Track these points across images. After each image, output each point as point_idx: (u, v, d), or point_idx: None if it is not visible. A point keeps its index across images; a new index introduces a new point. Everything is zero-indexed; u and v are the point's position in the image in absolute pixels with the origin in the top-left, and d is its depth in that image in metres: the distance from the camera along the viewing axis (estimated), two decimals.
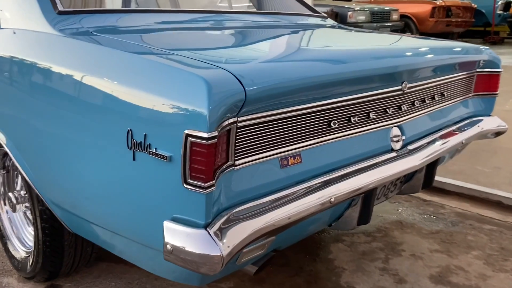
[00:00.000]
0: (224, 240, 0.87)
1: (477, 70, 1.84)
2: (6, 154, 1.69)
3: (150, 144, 0.93)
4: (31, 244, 1.71)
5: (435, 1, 8.09)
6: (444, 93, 1.66)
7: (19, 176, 1.70)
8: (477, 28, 9.44)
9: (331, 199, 1.11)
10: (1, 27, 1.58)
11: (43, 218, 1.47)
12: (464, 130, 1.71)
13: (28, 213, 1.73)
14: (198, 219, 0.89)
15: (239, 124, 0.94)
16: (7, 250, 1.79)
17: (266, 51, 1.34)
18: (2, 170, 1.78)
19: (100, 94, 1.06)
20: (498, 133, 1.91)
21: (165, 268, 1.06)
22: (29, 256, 1.65)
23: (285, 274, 1.77)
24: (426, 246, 2.00)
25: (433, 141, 1.53)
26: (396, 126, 1.41)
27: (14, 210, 1.73)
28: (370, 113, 1.29)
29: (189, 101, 0.87)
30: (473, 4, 8.54)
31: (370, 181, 1.22)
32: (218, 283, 1.70)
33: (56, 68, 1.21)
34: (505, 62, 4.14)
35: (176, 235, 0.89)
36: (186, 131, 0.86)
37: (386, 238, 2.08)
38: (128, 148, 0.98)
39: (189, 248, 0.86)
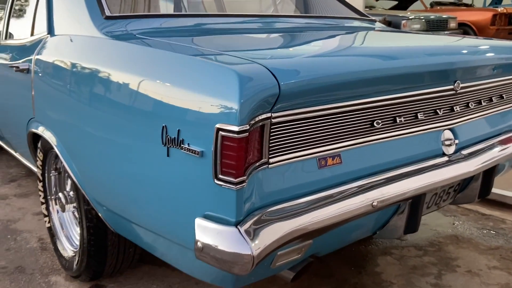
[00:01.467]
0: (256, 240, 0.84)
1: None
2: (57, 156, 1.77)
3: (183, 139, 0.92)
4: (78, 243, 1.77)
5: (496, 8, 7.65)
6: (504, 95, 1.52)
7: (69, 177, 1.76)
8: None
9: (373, 203, 1.04)
10: (55, 33, 1.67)
11: (88, 217, 1.51)
12: None
13: (76, 213, 1.79)
14: (228, 216, 0.86)
15: (274, 120, 0.91)
16: (56, 249, 1.85)
17: (306, 49, 1.30)
18: (54, 172, 1.87)
19: (137, 93, 1.07)
20: None
21: (201, 269, 1.03)
22: (75, 255, 1.70)
23: (329, 286, 1.69)
24: (484, 263, 1.84)
25: (491, 147, 1.40)
26: (448, 128, 1.31)
27: (63, 210, 1.80)
28: (418, 114, 1.21)
29: (221, 95, 0.85)
30: None
31: (418, 186, 1.13)
32: None
33: (97, 70, 1.25)
34: None
35: (207, 233, 0.86)
36: (217, 125, 0.84)
37: (439, 252, 1.94)
38: (163, 144, 0.97)
39: (220, 246, 0.84)
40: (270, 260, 0.96)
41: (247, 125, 0.82)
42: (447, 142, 1.30)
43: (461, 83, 1.29)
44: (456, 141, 1.32)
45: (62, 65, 1.48)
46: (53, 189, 1.88)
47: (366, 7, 7.74)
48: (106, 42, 1.31)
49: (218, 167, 0.85)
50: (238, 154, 0.82)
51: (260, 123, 0.88)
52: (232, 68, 0.86)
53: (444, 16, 7.38)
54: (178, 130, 0.93)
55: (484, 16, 7.63)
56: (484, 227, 2.17)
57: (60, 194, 1.77)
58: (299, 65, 0.97)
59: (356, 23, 2.04)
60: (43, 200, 1.91)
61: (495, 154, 1.37)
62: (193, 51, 1.06)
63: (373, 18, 2.26)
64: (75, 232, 1.81)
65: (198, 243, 0.87)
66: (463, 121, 1.35)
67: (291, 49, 1.29)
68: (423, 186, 1.15)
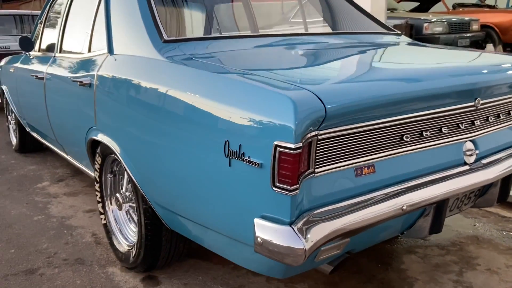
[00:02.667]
0: (307, 236, 1.02)
1: None
2: (114, 160, 1.99)
3: (244, 153, 1.11)
4: (132, 239, 1.99)
5: None
6: None
7: (124, 179, 1.98)
8: None
9: (403, 207, 1.21)
10: (114, 52, 1.88)
11: (146, 215, 1.72)
12: None
13: (131, 211, 2.00)
14: (284, 217, 1.04)
15: (320, 137, 1.09)
16: (112, 243, 2.08)
17: (343, 71, 1.47)
18: (110, 174, 2.09)
19: (201, 111, 1.27)
20: None
21: (256, 262, 1.22)
22: (131, 249, 1.91)
23: (358, 281, 1.86)
24: (503, 262, 1.98)
25: (508, 156, 1.55)
26: (469, 140, 1.47)
27: (120, 208, 2.02)
28: (442, 128, 1.37)
29: (278, 117, 1.04)
30: None
31: (441, 192, 1.30)
32: (294, 284, 1.83)
33: (162, 89, 1.45)
34: None
35: (266, 230, 1.05)
36: (275, 142, 1.02)
37: (460, 252, 2.08)
38: (225, 156, 1.17)
39: (277, 241, 1.02)
40: (314, 255, 1.14)
41: (300, 143, 1.01)
42: (468, 153, 1.45)
43: (481, 100, 1.44)
44: (477, 151, 1.48)
45: (125, 82, 1.69)
46: (109, 190, 2.10)
47: (388, 9, 7.81)
48: (168, 65, 1.51)
49: (276, 177, 1.03)
50: (293, 167, 1.01)
51: (309, 140, 1.06)
52: (288, 95, 1.04)
53: (466, 19, 7.40)
54: (240, 145, 1.12)
55: (507, 18, 7.62)
56: (504, 229, 2.30)
57: (118, 195, 1.99)
58: (340, 90, 1.15)
59: (384, 38, 2.20)
60: (99, 200, 2.14)
61: (508, 166, 1.52)
62: (250, 75, 1.24)
63: (397, 31, 2.42)
64: (129, 229, 2.03)
65: (258, 238, 1.06)
66: (483, 133, 1.51)
67: (330, 71, 1.46)
68: (446, 192, 1.31)
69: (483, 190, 1.60)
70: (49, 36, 2.89)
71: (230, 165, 1.16)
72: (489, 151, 1.54)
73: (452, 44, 7.22)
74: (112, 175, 2.08)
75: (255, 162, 1.08)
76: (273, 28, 2.96)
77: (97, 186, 2.12)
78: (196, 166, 1.32)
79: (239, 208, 1.17)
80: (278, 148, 1.02)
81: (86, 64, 2.06)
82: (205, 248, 1.51)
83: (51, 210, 2.72)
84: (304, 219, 1.06)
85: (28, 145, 3.96)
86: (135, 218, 1.94)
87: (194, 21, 2.58)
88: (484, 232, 2.27)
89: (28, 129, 3.68)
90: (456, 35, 7.19)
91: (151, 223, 1.73)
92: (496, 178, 1.46)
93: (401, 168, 1.29)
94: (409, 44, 2.19)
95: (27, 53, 3.21)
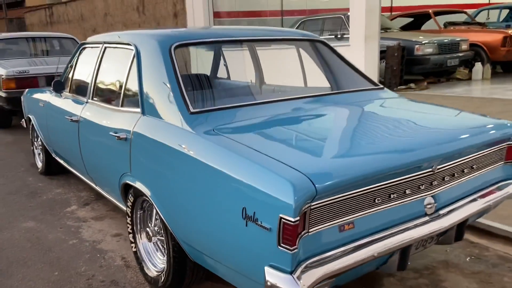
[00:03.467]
0: (302, 282, 1.44)
1: (508, 143, 2.24)
2: (144, 200, 2.42)
3: (257, 218, 1.53)
4: (160, 266, 2.41)
5: (507, 31, 8.07)
6: (474, 166, 2.09)
7: (153, 214, 2.40)
8: None
9: (374, 254, 1.63)
10: (146, 114, 2.30)
11: (174, 250, 2.14)
12: (492, 194, 2.12)
13: (159, 243, 2.43)
14: (287, 267, 1.46)
15: (312, 207, 1.51)
16: (141, 268, 2.50)
17: (331, 146, 1.89)
18: (140, 210, 2.51)
19: (224, 179, 1.69)
20: None
21: None
22: (160, 274, 2.34)
23: None
24: (465, 285, 2.40)
25: (462, 206, 1.97)
26: (429, 196, 1.89)
27: (150, 240, 2.44)
28: (406, 190, 1.79)
29: (282, 196, 1.46)
30: None
31: (404, 240, 1.72)
32: None
33: (189, 154, 1.87)
34: None
35: (273, 276, 1.47)
36: (280, 215, 1.45)
37: (432, 275, 2.51)
38: (243, 218, 1.59)
39: (282, 285, 1.44)
40: None
41: (298, 216, 1.43)
42: (428, 206, 1.88)
43: (437, 166, 1.86)
44: (435, 204, 1.90)
45: (158, 143, 2.11)
46: (139, 224, 2.53)
47: (382, 29, 8.24)
48: (193, 136, 1.93)
49: (281, 239, 1.45)
50: (293, 233, 1.43)
51: (305, 211, 1.48)
52: (289, 180, 1.46)
53: (456, 39, 7.84)
54: (254, 212, 1.54)
55: (495, 38, 8.07)
56: (471, 254, 2.73)
57: (148, 229, 2.41)
58: (328, 170, 1.58)
59: (370, 96, 2.63)
60: (130, 231, 2.56)
61: (465, 212, 1.94)
62: (259, 158, 1.66)
63: (381, 86, 2.85)
64: (157, 257, 2.45)
65: (268, 282, 1.48)
66: (440, 189, 1.93)
67: (322, 147, 1.88)
68: (409, 240, 1.74)
69: (443, 233, 2.02)
70: (80, 81, 3.31)
71: (246, 226, 1.58)
72: (446, 202, 1.96)
73: (442, 64, 7.66)
74: (142, 211, 2.51)
75: (266, 227, 1.50)
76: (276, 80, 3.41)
77: (128, 219, 2.55)
78: (218, 218, 1.74)
79: (253, 256, 1.59)
80: (282, 219, 1.44)
81: (122, 119, 2.48)
82: None
83: (83, 234, 3.15)
84: (301, 269, 1.48)
85: (53, 168, 4.38)
86: (162, 249, 2.36)
87: (215, 91, 3.05)
88: (454, 257, 2.69)
89: (53, 155, 4.10)
90: (446, 56, 7.64)
91: (178, 256, 2.15)
92: (450, 226, 1.88)
93: (374, 223, 1.71)
94: (390, 102, 2.61)
95: (57, 93, 3.62)
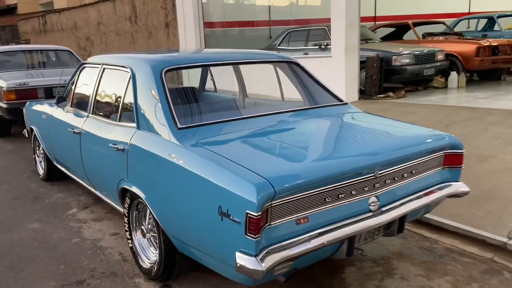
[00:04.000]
0: (264, 263, 1.86)
1: (445, 151, 2.67)
2: (139, 203, 2.82)
3: (230, 214, 1.94)
4: (153, 258, 2.81)
5: (480, 41, 8.58)
6: (413, 171, 2.52)
7: (146, 215, 2.81)
8: None
9: (324, 242, 2.05)
10: (141, 129, 2.71)
11: (165, 243, 2.55)
12: (431, 194, 2.55)
13: (152, 239, 2.83)
14: (252, 252, 1.88)
15: (273, 205, 1.93)
16: (137, 262, 2.90)
17: (293, 156, 2.31)
18: (135, 211, 2.92)
19: (205, 185, 2.11)
20: (462, 194, 2.71)
21: (234, 275, 2.05)
22: (153, 265, 2.74)
23: (310, 286, 2.70)
24: (413, 272, 2.83)
25: (402, 204, 2.40)
26: (373, 196, 2.32)
27: (144, 236, 2.85)
28: (352, 191, 2.22)
29: (248, 196, 1.87)
30: None
31: (350, 232, 2.14)
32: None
33: (177, 163, 2.28)
34: None
35: (242, 259, 1.88)
36: (247, 211, 1.86)
37: (386, 264, 2.93)
38: (219, 214, 2.00)
39: (248, 266, 1.86)
40: (272, 272, 1.98)
41: (260, 212, 1.85)
42: (372, 204, 2.30)
43: (379, 171, 2.29)
44: (378, 203, 2.32)
45: (151, 153, 2.52)
46: (134, 223, 2.93)
47: (363, 39, 8.72)
48: (180, 149, 2.35)
49: (247, 230, 1.87)
50: (257, 225, 1.84)
51: (266, 208, 1.90)
52: (254, 184, 1.88)
53: (431, 50, 8.33)
54: (227, 209, 1.96)
55: (469, 48, 8.58)
56: (423, 246, 3.16)
57: (143, 227, 2.82)
58: (285, 175, 2.00)
59: (335, 111, 3.06)
60: (127, 229, 2.96)
61: (402, 210, 2.37)
62: (233, 167, 2.07)
63: (345, 102, 3.28)
64: (150, 251, 2.85)
65: (238, 264, 1.89)
66: (383, 190, 2.35)
67: (284, 156, 2.31)
68: (354, 232, 2.16)
69: (387, 226, 2.44)
70: (82, 97, 3.71)
71: (222, 220, 1.99)
72: (389, 201, 2.38)
73: (418, 73, 8.15)
74: (137, 212, 2.91)
75: (236, 221, 1.91)
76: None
77: (125, 219, 2.95)
78: (200, 215, 2.15)
79: (227, 244, 2.00)
80: (248, 214, 1.86)
81: (120, 133, 2.89)
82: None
83: (84, 234, 3.54)
84: (263, 253, 1.89)
85: (54, 175, 4.76)
86: (154, 244, 2.77)
87: (202, 106, 3.47)
88: (407, 249, 3.12)
89: (55, 162, 4.49)
90: (422, 65, 8.12)
91: (168, 249, 2.55)
92: (390, 220, 2.31)
93: (325, 217, 2.13)
94: (349, 116, 3.05)
95: (60, 107, 4.01)
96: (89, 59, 3.75)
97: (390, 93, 8.00)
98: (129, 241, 2.96)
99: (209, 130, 2.54)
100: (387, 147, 2.43)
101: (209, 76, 4.48)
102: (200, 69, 4.49)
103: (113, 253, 3.19)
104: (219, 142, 2.46)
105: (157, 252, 2.67)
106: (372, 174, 2.27)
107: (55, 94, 6.21)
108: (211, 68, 4.37)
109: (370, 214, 2.29)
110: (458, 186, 2.70)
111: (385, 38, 10.69)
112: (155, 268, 2.69)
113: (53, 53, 8.07)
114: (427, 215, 3.32)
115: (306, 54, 8.87)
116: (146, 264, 2.83)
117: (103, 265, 3.03)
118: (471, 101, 7.01)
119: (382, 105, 7.25)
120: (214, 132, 2.54)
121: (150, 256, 2.85)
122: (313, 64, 8.53)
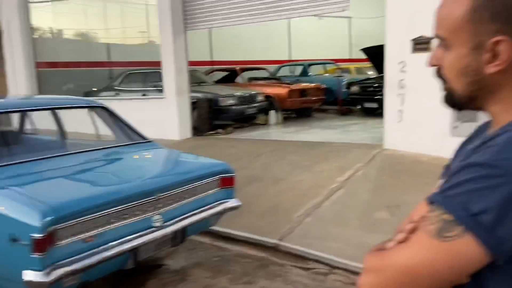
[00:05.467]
0: (49, 277, 2.26)
1: (221, 175, 3.44)
2: None
3: (20, 239, 2.30)
4: None
5: (291, 86, 10.33)
6: (194, 192, 3.21)
7: None
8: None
9: (103, 256, 2.53)
10: None
11: None
12: (208, 210, 3.26)
13: None
14: (38, 268, 2.26)
15: (57, 228, 2.35)
16: None
17: (78, 188, 2.78)
18: None
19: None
20: (236, 208, 3.50)
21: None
22: None
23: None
24: (204, 275, 3.47)
25: (181, 220, 3.04)
26: (156, 214, 2.90)
27: None
28: (136, 211, 2.77)
29: (34, 222, 2.27)
30: (322, 85, 10.93)
31: (132, 245, 2.68)
32: None
33: None
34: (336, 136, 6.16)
35: (28, 275, 2.25)
36: (32, 235, 2.25)
37: (183, 273, 3.53)
38: (12, 241, 2.33)
39: (35, 280, 2.23)
40: (60, 284, 2.37)
41: (42, 235, 2.25)
42: (156, 220, 2.88)
43: (160, 194, 2.90)
44: (162, 219, 2.92)
45: None
46: None
47: (196, 82, 9.66)
48: None
49: (34, 250, 2.25)
50: (42, 246, 2.24)
51: (51, 231, 2.31)
52: (37, 211, 2.28)
53: (252, 92, 9.68)
54: (19, 236, 2.31)
55: (283, 91, 10.20)
56: (217, 255, 3.86)
57: None
58: (68, 203, 2.45)
59: (133, 148, 3.63)
60: None
61: (181, 224, 3.01)
62: (25, 198, 2.44)
63: (150, 140, 3.88)
64: None
65: (24, 280, 2.25)
66: (165, 209, 2.96)
67: (70, 188, 2.76)
68: (135, 245, 2.70)
69: (173, 238, 3.04)
70: None
71: (11, 246, 2.33)
72: (171, 218, 3.00)
73: (242, 112, 9.35)
74: None
75: (25, 244, 2.28)
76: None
77: None
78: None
79: (17, 265, 2.34)
80: (33, 237, 2.25)
81: None
82: None
83: None
84: (50, 268, 2.29)
85: None
86: None
87: (14, 147, 3.69)
88: (204, 259, 3.78)
89: None
90: (244, 106, 9.36)
91: None
92: (170, 233, 2.92)
93: (112, 235, 2.63)
94: (148, 151, 3.65)
95: None
96: None
97: (220, 130, 8.99)
98: None
99: (14, 169, 2.84)
100: (166, 174, 3.07)
101: (29, 119, 4.65)
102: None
103: None
104: (18, 179, 2.78)
105: None
106: (154, 197, 2.87)
107: None
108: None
109: (154, 229, 2.86)
110: (232, 202, 3.49)
111: (220, 81, 11.89)
112: None
113: None
114: (223, 229, 4.06)
115: (144, 95, 9.40)
116: None
117: None
118: (280, 135, 8.39)
119: (210, 141, 8.14)
120: (17, 170, 2.85)
121: None
122: (150, 104, 9.19)
